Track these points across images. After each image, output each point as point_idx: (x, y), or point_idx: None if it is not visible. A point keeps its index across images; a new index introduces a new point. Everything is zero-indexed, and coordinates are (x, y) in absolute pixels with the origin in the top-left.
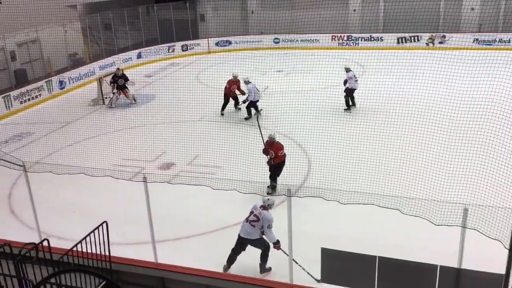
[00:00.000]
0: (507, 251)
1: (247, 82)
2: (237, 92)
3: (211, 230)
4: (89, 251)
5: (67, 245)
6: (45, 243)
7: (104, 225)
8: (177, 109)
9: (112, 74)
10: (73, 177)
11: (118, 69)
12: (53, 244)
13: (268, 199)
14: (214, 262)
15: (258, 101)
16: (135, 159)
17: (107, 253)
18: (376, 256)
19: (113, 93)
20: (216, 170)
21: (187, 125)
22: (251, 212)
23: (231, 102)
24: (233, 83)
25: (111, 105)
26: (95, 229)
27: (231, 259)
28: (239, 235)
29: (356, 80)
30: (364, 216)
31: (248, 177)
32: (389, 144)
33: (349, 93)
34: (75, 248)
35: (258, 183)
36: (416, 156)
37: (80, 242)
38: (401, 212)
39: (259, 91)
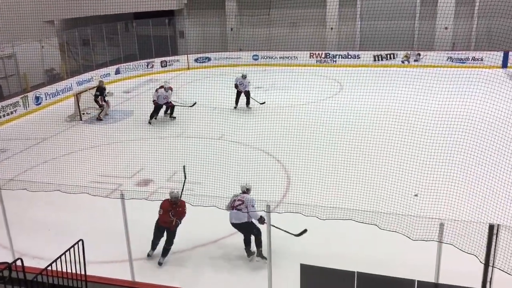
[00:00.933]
0: (482, 265)
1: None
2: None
3: (190, 247)
4: (64, 270)
5: (42, 264)
6: (18, 263)
7: (80, 243)
8: (156, 125)
9: (96, 87)
10: (49, 194)
11: (101, 81)
12: (27, 263)
13: (245, 184)
14: (192, 280)
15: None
16: (112, 176)
17: (82, 272)
18: (354, 271)
19: (101, 106)
20: (196, 186)
21: (166, 141)
22: (234, 200)
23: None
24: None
25: (99, 117)
26: (70, 247)
27: (248, 245)
28: (231, 223)
29: None
30: (342, 231)
31: (228, 193)
32: (366, 159)
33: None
34: (49, 268)
35: None
36: (392, 171)
37: (55, 261)
38: (379, 227)
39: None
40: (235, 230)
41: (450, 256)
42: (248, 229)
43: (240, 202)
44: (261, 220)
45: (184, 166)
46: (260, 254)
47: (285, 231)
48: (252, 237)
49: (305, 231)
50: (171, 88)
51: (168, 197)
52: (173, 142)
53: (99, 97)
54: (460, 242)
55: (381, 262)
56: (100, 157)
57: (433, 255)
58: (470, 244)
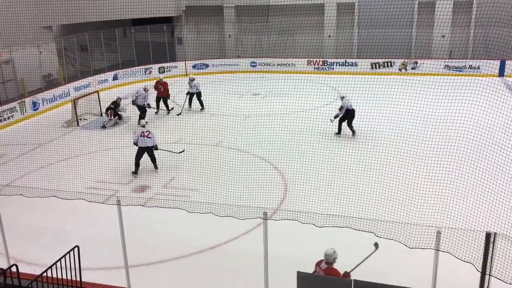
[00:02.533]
0: (479, 274)
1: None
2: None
3: (186, 254)
4: (59, 277)
5: (37, 271)
6: (13, 269)
7: (76, 249)
8: (153, 131)
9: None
10: (45, 200)
11: (119, 98)
12: (22, 270)
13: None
14: (187, 287)
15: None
16: (108, 182)
17: (78, 279)
18: (351, 279)
19: (110, 119)
20: (192, 193)
21: (163, 147)
22: (142, 132)
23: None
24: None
25: (105, 125)
26: (66, 254)
27: (137, 166)
28: (140, 147)
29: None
30: (339, 239)
31: (225, 200)
32: (363, 167)
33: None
34: (45, 274)
35: (235, 206)
36: (389, 179)
37: (51, 267)
38: (376, 235)
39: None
40: (232, 237)
41: (447, 264)
42: (152, 151)
43: (148, 133)
44: (156, 147)
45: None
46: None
47: (167, 150)
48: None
49: (183, 150)
50: (146, 90)
51: None
52: (170, 148)
53: (110, 110)
54: (457, 250)
55: (378, 270)
56: (96, 163)
57: (430, 263)
58: (467, 252)
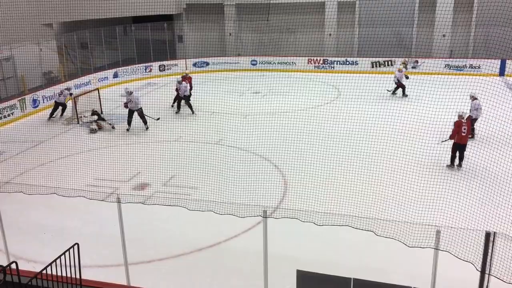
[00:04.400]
0: (479, 273)
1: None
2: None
3: (186, 252)
4: (59, 274)
5: (37, 268)
6: (13, 266)
7: (76, 247)
8: (153, 128)
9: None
10: (45, 197)
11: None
12: (22, 267)
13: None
14: (187, 285)
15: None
16: (109, 180)
17: (78, 276)
18: (351, 278)
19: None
20: (192, 191)
21: (163, 145)
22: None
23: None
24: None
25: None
26: (65, 251)
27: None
28: (130, 110)
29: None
30: (339, 237)
31: (224, 198)
32: (363, 166)
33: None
34: (44, 271)
35: (235, 204)
36: (389, 178)
37: (50, 264)
38: (375, 233)
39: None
40: (231, 235)
41: (446, 263)
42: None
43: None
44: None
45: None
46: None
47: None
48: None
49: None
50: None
51: None
52: (170, 146)
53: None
54: (456, 249)
55: (378, 269)
56: (96, 161)
57: (430, 262)
58: (466, 251)
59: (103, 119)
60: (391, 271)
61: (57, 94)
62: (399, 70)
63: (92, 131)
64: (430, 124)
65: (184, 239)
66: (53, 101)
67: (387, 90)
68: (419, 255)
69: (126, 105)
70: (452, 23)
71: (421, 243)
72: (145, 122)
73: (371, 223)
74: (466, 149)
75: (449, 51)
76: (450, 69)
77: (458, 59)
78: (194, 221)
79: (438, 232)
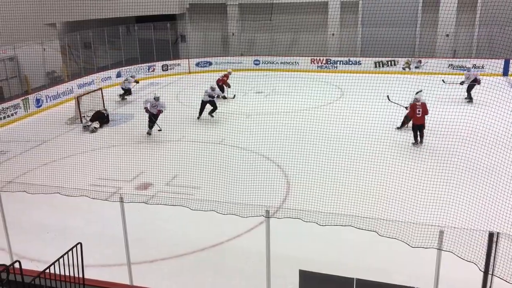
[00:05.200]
0: (482, 273)
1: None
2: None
3: (189, 252)
4: (62, 273)
5: (40, 267)
6: (16, 265)
7: (79, 246)
8: (156, 128)
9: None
10: (48, 197)
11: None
12: (25, 266)
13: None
14: (190, 285)
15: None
16: (112, 179)
17: (81, 276)
18: (353, 278)
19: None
20: (195, 190)
21: (166, 145)
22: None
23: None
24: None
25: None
26: (68, 250)
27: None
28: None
29: None
30: (342, 237)
31: (227, 198)
32: (366, 166)
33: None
34: (47, 271)
35: (237, 204)
36: (393, 178)
37: (53, 264)
38: (378, 234)
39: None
40: (234, 235)
41: (449, 263)
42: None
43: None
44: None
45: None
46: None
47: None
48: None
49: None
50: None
51: None
52: (173, 146)
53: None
54: (459, 249)
55: (380, 269)
56: (100, 160)
57: (433, 263)
58: (469, 252)
59: (107, 120)
60: (394, 271)
61: (123, 82)
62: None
63: (93, 130)
64: (433, 124)
65: (187, 238)
66: (56, 100)
67: (443, 81)
68: (422, 255)
69: (147, 110)
70: (455, 23)
71: (424, 244)
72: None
73: (374, 223)
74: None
75: (453, 51)
76: (453, 69)
77: (461, 59)
78: (197, 221)
79: (441, 232)
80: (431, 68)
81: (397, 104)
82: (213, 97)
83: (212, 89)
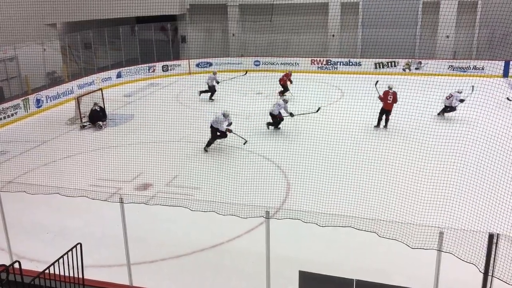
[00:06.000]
0: (482, 274)
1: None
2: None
3: (188, 252)
4: (62, 273)
5: (40, 267)
6: (16, 265)
7: (78, 247)
8: (156, 129)
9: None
10: (48, 197)
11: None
12: (25, 266)
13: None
14: (191, 286)
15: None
16: (111, 180)
17: (80, 276)
18: (353, 279)
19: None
20: (195, 191)
21: (166, 146)
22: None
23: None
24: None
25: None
26: (68, 251)
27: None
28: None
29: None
30: (342, 238)
31: (227, 198)
32: (366, 167)
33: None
34: (47, 271)
35: (237, 205)
36: (393, 179)
37: (53, 264)
38: (378, 235)
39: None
40: (234, 236)
41: (449, 265)
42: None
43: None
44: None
45: None
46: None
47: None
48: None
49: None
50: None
51: None
52: (173, 146)
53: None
54: (459, 251)
55: (380, 270)
56: (99, 161)
57: (432, 264)
58: (469, 253)
59: (103, 114)
60: (394, 272)
61: (207, 79)
62: None
63: (82, 127)
64: (433, 125)
65: (187, 239)
66: (56, 101)
67: (508, 98)
68: (422, 256)
69: (228, 130)
70: (455, 24)
71: (424, 245)
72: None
73: (374, 224)
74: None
75: (453, 52)
76: (453, 70)
77: (461, 61)
78: (197, 222)
79: (441, 233)
80: (431, 70)
81: (377, 91)
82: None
83: (285, 101)
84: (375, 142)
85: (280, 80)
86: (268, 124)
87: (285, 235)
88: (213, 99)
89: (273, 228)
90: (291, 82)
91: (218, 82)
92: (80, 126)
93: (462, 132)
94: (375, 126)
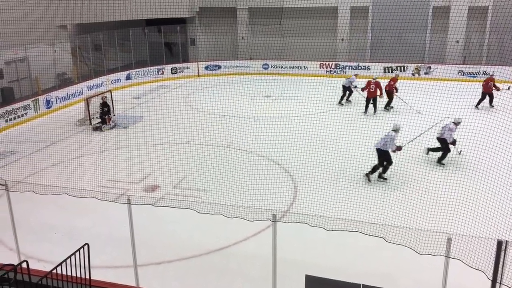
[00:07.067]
0: (490, 282)
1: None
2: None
3: (195, 254)
4: (69, 274)
5: (47, 267)
6: (24, 265)
7: (86, 247)
8: (165, 131)
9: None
10: (56, 197)
11: (104, 96)
12: (33, 266)
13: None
14: None
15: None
16: (119, 181)
17: (87, 277)
18: (360, 284)
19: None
20: (202, 193)
21: (174, 148)
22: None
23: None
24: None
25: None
26: (76, 251)
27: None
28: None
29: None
30: (349, 243)
31: (234, 201)
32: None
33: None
34: (54, 271)
35: (244, 208)
36: (401, 184)
37: (60, 264)
38: (386, 240)
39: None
40: (240, 239)
41: (457, 271)
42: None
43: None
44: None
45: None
46: (381, 176)
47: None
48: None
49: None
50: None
51: None
52: (181, 148)
53: (107, 116)
54: (467, 257)
55: (387, 276)
56: (108, 162)
57: (440, 270)
58: (477, 260)
59: (103, 113)
60: (401, 278)
61: (345, 81)
62: None
63: (95, 128)
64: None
65: (193, 241)
66: (66, 102)
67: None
68: (429, 262)
69: (398, 148)
70: (466, 29)
71: (432, 251)
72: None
73: (381, 229)
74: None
75: (463, 57)
76: (463, 75)
77: (471, 66)
78: (203, 224)
79: (449, 239)
80: (440, 74)
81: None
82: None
83: (455, 122)
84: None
85: (385, 87)
86: (432, 150)
87: (292, 238)
88: (350, 101)
89: (280, 231)
90: (396, 90)
91: (355, 87)
92: (93, 127)
93: (471, 137)
94: (363, 113)
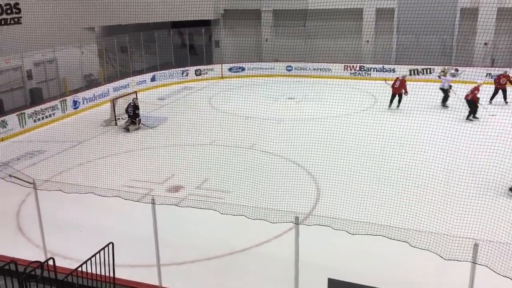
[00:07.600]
0: None
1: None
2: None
3: (218, 255)
4: (93, 272)
5: (73, 265)
6: (50, 262)
7: (110, 246)
8: (189, 132)
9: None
10: (82, 196)
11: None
12: (59, 263)
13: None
14: None
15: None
16: (144, 181)
17: (111, 275)
18: None
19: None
20: (225, 195)
21: (198, 149)
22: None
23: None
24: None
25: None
26: (100, 250)
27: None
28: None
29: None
30: (372, 247)
31: (257, 203)
32: (400, 175)
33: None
34: (80, 269)
35: (267, 210)
36: (426, 188)
37: (85, 262)
38: (410, 244)
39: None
40: (262, 240)
41: (484, 278)
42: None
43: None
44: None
45: None
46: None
47: None
48: None
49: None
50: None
51: None
52: (204, 149)
53: (138, 118)
54: (495, 264)
55: (411, 281)
56: (133, 162)
57: (466, 277)
58: (505, 266)
59: (135, 115)
60: (425, 283)
61: (443, 82)
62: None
63: (125, 129)
64: (470, 135)
65: (216, 242)
66: (92, 103)
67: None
68: (455, 268)
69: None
70: (494, 31)
71: (458, 256)
72: None
73: (406, 234)
74: None
75: (491, 60)
76: (491, 78)
77: (500, 68)
78: (226, 225)
79: (476, 245)
80: (468, 77)
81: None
82: None
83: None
84: (409, 150)
85: (466, 96)
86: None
87: (314, 241)
88: (446, 106)
89: (302, 234)
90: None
91: (450, 87)
92: (124, 128)
93: (498, 142)
94: (388, 106)
